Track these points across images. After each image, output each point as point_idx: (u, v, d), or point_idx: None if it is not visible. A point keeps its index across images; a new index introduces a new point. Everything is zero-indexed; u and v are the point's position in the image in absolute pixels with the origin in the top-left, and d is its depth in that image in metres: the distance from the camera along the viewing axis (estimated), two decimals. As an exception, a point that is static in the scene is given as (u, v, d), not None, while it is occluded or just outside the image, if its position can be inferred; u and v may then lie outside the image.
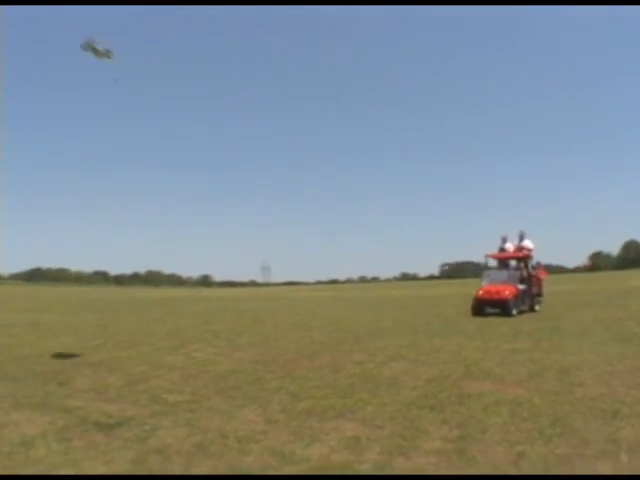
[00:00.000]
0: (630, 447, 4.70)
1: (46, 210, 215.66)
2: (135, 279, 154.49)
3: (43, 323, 17.74)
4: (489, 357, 9.62)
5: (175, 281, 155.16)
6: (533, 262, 19.84)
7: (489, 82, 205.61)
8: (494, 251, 20.44)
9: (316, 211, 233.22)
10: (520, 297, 18.06)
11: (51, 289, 78.32)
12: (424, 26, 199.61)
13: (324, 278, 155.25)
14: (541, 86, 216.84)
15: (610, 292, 30.94)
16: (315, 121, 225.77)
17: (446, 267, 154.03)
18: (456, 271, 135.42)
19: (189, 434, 5.34)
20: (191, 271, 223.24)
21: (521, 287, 18.29)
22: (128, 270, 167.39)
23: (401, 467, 4.38)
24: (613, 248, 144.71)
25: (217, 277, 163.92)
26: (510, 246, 20.12)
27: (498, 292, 17.84)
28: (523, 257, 19.57)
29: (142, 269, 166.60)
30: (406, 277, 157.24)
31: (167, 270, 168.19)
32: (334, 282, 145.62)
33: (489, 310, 17.96)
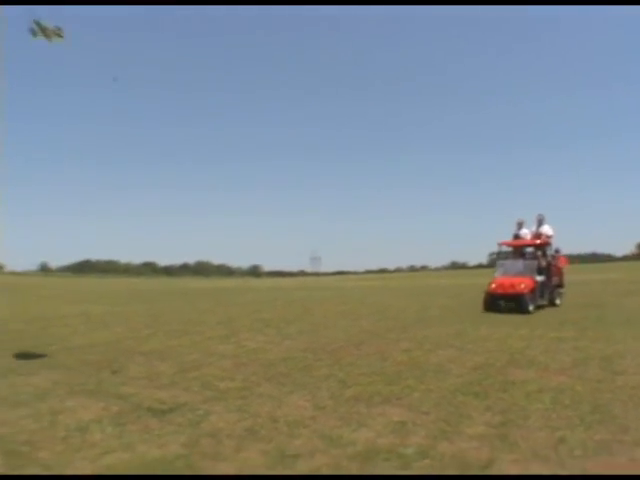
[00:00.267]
0: (668, 435, 4.84)
1: (95, 203, 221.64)
2: (184, 270, 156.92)
3: (94, 314, 18.30)
4: (534, 345, 9.90)
5: (224, 271, 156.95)
6: (552, 249, 18.22)
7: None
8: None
9: (366, 200, 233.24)
10: (538, 290, 16.42)
11: (100, 280, 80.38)
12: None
13: (373, 267, 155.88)
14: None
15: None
16: (360, 111, 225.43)
17: (494, 256, 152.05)
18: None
19: (240, 419, 5.61)
20: (240, 261, 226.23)
21: (539, 279, 16.65)
22: (177, 261, 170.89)
23: (444, 451, 4.57)
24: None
25: (266, 267, 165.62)
26: (527, 232, 18.46)
27: (512, 285, 16.12)
28: (541, 244, 17.76)
29: (191, 260, 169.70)
30: (455, 266, 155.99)
31: (216, 260, 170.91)
32: (383, 271, 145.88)
33: (503, 305, 16.43)
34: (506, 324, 13.20)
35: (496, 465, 4.27)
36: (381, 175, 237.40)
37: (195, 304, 23.90)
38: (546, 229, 18.00)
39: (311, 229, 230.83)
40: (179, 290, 42.09)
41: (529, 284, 16.00)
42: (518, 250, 18.33)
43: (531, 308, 15.67)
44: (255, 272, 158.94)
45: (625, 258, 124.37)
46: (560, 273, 18.41)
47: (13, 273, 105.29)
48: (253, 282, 77.24)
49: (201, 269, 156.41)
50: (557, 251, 18.50)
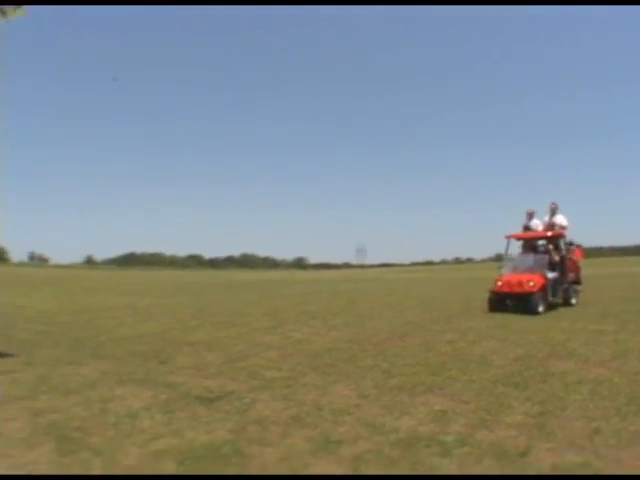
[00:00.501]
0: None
1: (140, 197, 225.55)
2: (229, 262, 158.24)
3: (140, 306, 18.76)
4: (575, 338, 10.13)
5: (269, 264, 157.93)
6: (566, 242, 16.48)
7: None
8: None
9: (412, 192, 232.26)
10: (550, 288, 14.79)
11: (145, 273, 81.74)
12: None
13: (419, 259, 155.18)
14: None
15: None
16: (402, 102, 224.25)
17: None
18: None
19: (286, 407, 5.84)
20: (286, 254, 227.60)
21: (551, 275, 15.00)
22: (222, 253, 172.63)
23: (483, 439, 4.76)
24: None
25: (312, 260, 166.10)
26: (538, 223, 16.80)
27: (520, 283, 14.46)
28: (554, 236, 16.09)
29: (236, 252, 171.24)
30: (500, 258, 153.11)
31: (262, 253, 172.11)
32: (429, 263, 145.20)
33: (510, 305, 14.73)
34: (548, 317, 13.50)
35: (532, 453, 4.43)
36: (427, 167, 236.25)
37: (241, 296, 24.30)
38: (560, 219, 16.54)
39: (357, 221, 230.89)
40: (225, 282, 42.65)
41: (539, 282, 14.44)
42: (528, 244, 16.73)
43: (541, 309, 14.11)
44: (300, 264, 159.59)
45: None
46: (576, 268, 16.87)
47: (58, 266, 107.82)
48: (298, 274, 77.78)
49: (246, 262, 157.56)
50: (571, 243, 17.00)
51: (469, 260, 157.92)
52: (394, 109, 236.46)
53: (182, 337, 11.01)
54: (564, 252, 16.11)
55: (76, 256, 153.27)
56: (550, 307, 14.73)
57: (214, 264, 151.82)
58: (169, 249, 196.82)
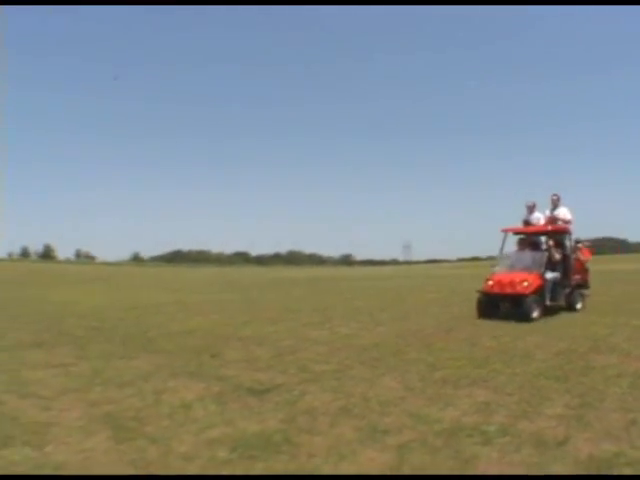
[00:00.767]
0: None
1: (186, 194, 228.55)
2: (276, 259, 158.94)
3: (189, 302, 19.30)
4: (617, 333, 10.34)
5: (316, 260, 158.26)
6: (571, 239, 14.65)
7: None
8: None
9: (458, 188, 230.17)
10: (548, 290, 13.11)
11: (192, 270, 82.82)
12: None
13: (465, 255, 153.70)
14: None
15: None
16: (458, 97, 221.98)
17: (587, 243, 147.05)
18: (595, 247, 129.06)
19: (334, 398, 6.09)
20: (332, 251, 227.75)
21: (550, 276, 13.27)
22: (269, 251, 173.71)
23: (523, 429, 4.98)
24: None
25: (358, 256, 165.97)
26: (540, 217, 14.84)
27: (512, 283, 12.76)
28: (556, 231, 14.35)
29: (283, 249, 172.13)
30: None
31: (308, 250, 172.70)
32: (475, 259, 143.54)
33: (502, 309, 13.03)
34: (591, 312, 13.62)
35: (570, 443, 4.61)
36: (473, 162, 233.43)
37: (288, 293, 24.72)
38: (563, 212, 14.61)
39: (403, 217, 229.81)
40: (272, 279, 43.21)
41: (534, 282, 12.71)
42: (527, 239, 14.84)
43: (535, 314, 12.36)
44: (347, 261, 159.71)
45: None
46: (583, 269, 15.15)
47: (105, 263, 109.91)
48: (345, 271, 78.00)
49: (293, 258, 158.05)
50: (579, 241, 15.54)
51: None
52: (444, 105, 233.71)
53: (232, 332, 11.33)
54: (568, 251, 14.37)
55: (122, 254, 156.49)
56: (552, 310, 13.23)
57: (260, 261, 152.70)
58: (215, 246, 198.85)
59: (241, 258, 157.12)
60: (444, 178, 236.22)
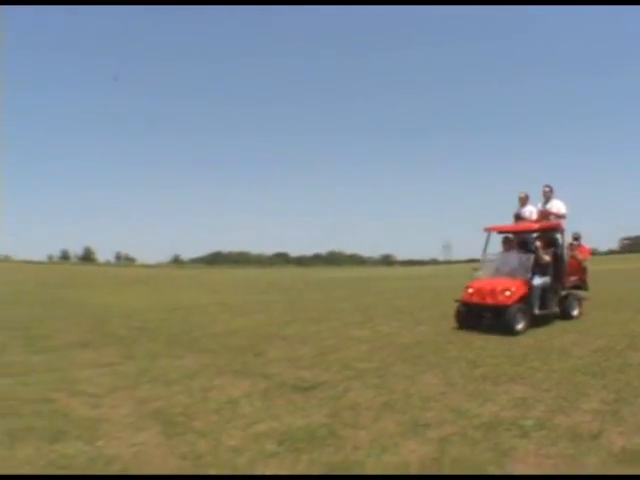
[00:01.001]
0: None
1: (225, 196, 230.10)
2: (316, 260, 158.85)
3: (232, 303, 19.64)
4: None
5: (356, 261, 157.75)
6: (564, 237, 12.83)
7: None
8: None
9: (496, 187, 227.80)
10: (534, 298, 11.43)
11: (233, 271, 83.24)
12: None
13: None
14: None
15: None
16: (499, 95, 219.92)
17: (627, 241, 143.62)
18: (638, 246, 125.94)
19: (377, 395, 6.32)
20: (372, 251, 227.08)
21: (538, 282, 11.58)
22: (309, 251, 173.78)
23: (560, 423, 5.17)
24: None
25: (398, 256, 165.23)
26: (533, 210, 13.03)
27: (493, 292, 11.11)
28: (545, 229, 12.56)
29: (323, 250, 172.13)
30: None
31: (348, 250, 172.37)
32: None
33: (484, 320, 11.56)
34: (628, 309, 13.87)
35: (604, 436, 4.79)
36: (511, 160, 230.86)
37: (330, 293, 24.94)
38: (556, 206, 12.86)
39: (443, 217, 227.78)
40: (313, 279, 43.51)
41: (517, 290, 11.12)
42: (515, 238, 12.92)
43: (520, 327, 10.77)
44: (387, 261, 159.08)
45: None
46: (580, 269, 13.53)
47: (145, 265, 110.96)
48: (385, 271, 77.98)
49: (333, 259, 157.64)
50: (576, 238, 13.95)
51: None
52: (476, 104, 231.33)
53: (275, 332, 11.59)
54: (561, 250, 12.68)
55: (161, 256, 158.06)
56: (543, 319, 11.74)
57: (301, 262, 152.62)
58: (255, 248, 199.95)
59: (281, 259, 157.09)
60: (485, 177, 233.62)
